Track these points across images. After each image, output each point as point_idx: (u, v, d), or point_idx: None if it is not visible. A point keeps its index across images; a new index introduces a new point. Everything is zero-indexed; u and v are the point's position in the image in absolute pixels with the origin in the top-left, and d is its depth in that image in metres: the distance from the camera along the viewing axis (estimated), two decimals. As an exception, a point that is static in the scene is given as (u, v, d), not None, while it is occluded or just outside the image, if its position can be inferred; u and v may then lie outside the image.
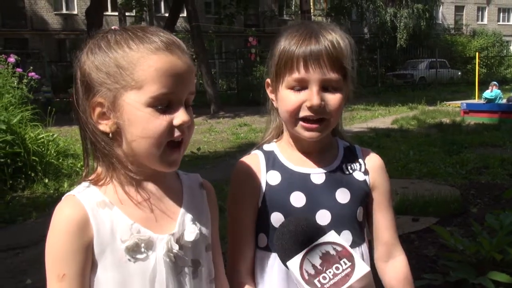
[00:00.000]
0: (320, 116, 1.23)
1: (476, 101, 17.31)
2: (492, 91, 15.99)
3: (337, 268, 1.10)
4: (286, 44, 1.25)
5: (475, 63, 22.98)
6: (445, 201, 5.01)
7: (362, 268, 1.11)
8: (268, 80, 1.34)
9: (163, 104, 1.01)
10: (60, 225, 1.02)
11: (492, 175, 6.44)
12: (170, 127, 1.02)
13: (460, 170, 6.87)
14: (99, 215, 1.04)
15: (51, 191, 6.31)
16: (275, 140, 1.39)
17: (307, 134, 1.25)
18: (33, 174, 6.64)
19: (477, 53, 23.84)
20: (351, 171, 1.33)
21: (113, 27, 1.09)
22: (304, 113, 1.23)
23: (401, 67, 32.17)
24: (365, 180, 1.33)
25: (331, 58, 1.21)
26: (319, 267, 1.10)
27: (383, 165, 1.39)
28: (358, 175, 1.33)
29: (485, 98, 16.00)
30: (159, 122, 1.01)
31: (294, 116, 1.24)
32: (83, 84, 1.06)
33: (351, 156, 1.36)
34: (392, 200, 1.41)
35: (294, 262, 1.11)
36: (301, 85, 1.23)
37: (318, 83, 1.21)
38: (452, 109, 16.19)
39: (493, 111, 13.12)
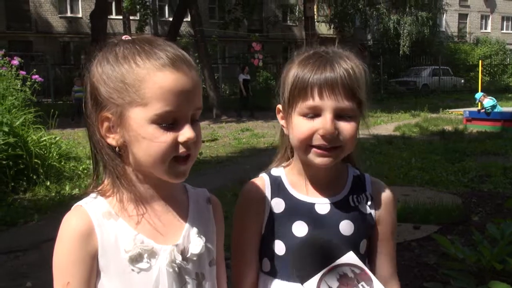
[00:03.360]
0: (333, 145, 1.20)
1: (479, 108, 17.20)
2: (488, 100, 15.55)
3: None
4: (299, 71, 1.22)
5: (478, 71, 22.99)
6: (446, 209, 4.99)
7: None
8: (279, 106, 1.30)
9: (167, 121, 1.01)
10: (65, 235, 1.05)
11: (494, 184, 6.42)
12: (175, 144, 1.02)
13: (462, 178, 6.85)
14: (104, 226, 1.05)
15: (53, 194, 6.31)
16: (283, 164, 1.37)
17: (319, 160, 1.21)
18: (35, 177, 6.64)
19: (480, 61, 23.90)
20: (357, 203, 1.29)
21: (123, 37, 1.09)
22: (317, 142, 1.19)
23: (404, 74, 32.21)
24: (371, 214, 1.30)
25: (346, 87, 1.18)
26: None
27: (392, 198, 1.34)
28: (364, 208, 1.29)
29: (489, 107, 15.84)
30: (164, 139, 1.01)
31: (306, 144, 1.21)
32: (92, 97, 1.07)
33: (360, 187, 1.32)
34: (396, 233, 1.37)
35: (311, 284, 1.07)
36: (315, 113, 1.19)
37: (332, 111, 1.18)
38: (455, 116, 16.15)
39: (496, 119, 13.09)
